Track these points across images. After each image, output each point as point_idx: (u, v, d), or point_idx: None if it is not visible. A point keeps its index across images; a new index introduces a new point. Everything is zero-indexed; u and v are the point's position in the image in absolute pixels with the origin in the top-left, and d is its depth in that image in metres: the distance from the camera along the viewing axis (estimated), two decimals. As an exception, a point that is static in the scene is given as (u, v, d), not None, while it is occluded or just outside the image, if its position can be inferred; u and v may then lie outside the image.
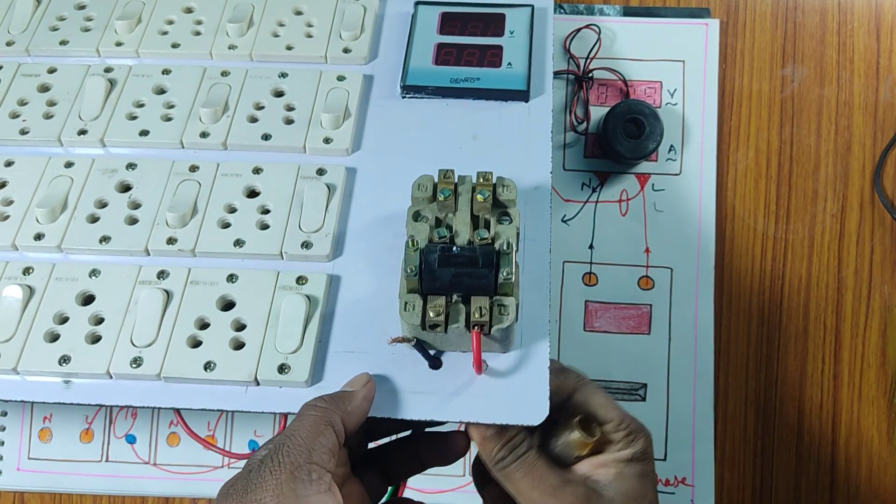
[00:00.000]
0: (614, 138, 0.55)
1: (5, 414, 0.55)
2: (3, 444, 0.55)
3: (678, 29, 0.59)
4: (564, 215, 0.56)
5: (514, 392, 0.38)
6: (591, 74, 0.58)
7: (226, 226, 0.44)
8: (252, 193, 0.46)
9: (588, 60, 0.58)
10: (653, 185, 0.56)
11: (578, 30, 0.58)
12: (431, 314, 0.37)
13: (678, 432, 0.53)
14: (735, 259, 0.56)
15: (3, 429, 0.55)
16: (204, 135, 0.47)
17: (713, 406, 0.53)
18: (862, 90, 0.58)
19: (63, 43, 0.52)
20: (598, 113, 0.58)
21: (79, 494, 0.54)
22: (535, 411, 0.37)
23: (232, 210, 0.45)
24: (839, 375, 0.55)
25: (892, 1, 0.60)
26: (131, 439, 0.54)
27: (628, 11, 0.60)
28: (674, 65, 0.58)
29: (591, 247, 0.56)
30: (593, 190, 0.57)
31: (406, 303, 0.38)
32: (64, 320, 0.42)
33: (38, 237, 0.44)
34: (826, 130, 0.58)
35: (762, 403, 0.55)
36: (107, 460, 0.54)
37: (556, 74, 0.57)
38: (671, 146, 0.57)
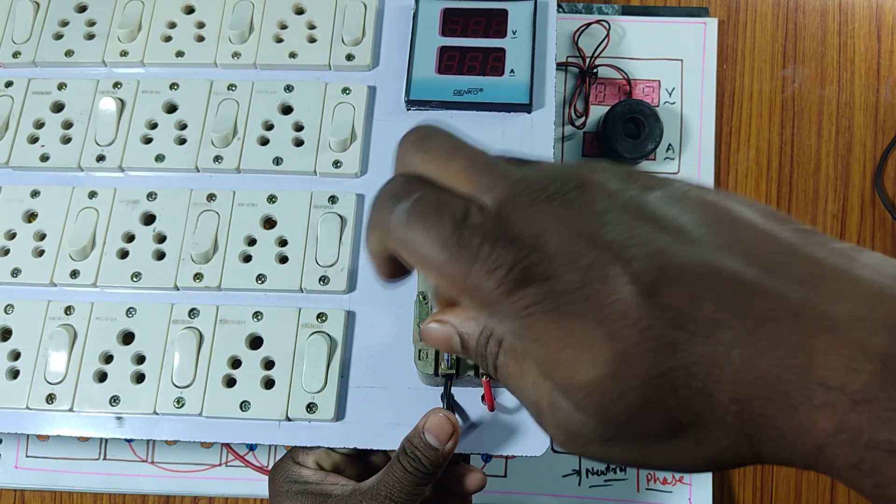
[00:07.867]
0: (614, 138, 0.57)
1: (2, 412, 0.57)
2: (0, 441, 0.57)
3: (676, 28, 0.61)
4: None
5: (523, 424, 0.44)
6: (595, 70, 0.59)
7: (247, 259, 0.48)
8: (269, 223, 0.49)
9: (594, 56, 0.59)
10: (650, 185, 0.58)
11: (588, 24, 0.60)
12: (444, 365, 0.42)
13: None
14: (735, 259, 0.58)
15: (1, 427, 0.57)
16: (217, 159, 0.50)
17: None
18: (863, 91, 0.60)
19: (69, 53, 0.53)
20: (596, 112, 0.59)
21: (79, 493, 0.57)
22: (538, 443, 0.43)
23: (251, 242, 0.48)
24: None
25: (893, 1, 0.61)
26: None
27: (627, 10, 0.62)
28: (672, 64, 0.60)
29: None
30: (591, 190, 0.58)
31: (420, 350, 0.42)
32: (109, 359, 0.47)
33: (74, 274, 0.48)
34: (827, 131, 0.60)
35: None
36: (104, 458, 0.56)
37: (560, 66, 0.59)
38: (669, 145, 0.59)
